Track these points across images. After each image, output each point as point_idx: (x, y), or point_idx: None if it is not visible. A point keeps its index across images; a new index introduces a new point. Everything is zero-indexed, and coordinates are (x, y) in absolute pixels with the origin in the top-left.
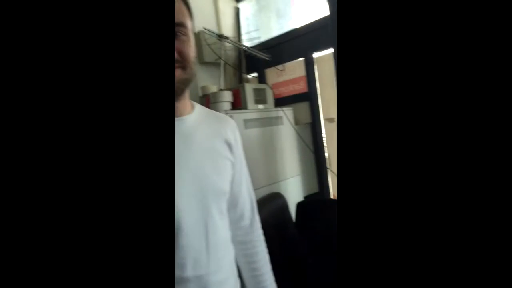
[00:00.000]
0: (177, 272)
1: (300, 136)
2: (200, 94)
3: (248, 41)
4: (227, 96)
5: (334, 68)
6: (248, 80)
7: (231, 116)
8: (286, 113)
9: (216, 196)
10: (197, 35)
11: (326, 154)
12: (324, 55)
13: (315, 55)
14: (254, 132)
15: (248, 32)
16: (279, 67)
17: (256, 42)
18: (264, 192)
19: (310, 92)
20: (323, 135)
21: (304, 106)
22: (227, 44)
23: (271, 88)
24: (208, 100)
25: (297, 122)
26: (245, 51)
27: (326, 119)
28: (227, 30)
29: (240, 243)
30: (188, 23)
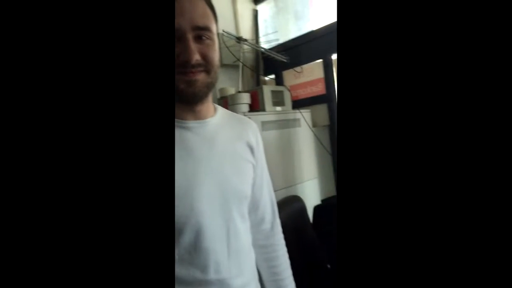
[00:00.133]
0: (200, 275)
1: (317, 139)
2: (218, 96)
3: (266, 43)
4: (245, 98)
5: None
6: (265, 82)
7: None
8: (304, 115)
9: (237, 200)
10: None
11: None
12: None
13: (334, 56)
14: (271, 134)
15: (266, 35)
16: (297, 69)
17: (274, 44)
18: (281, 194)
19: (328, 94)
20: None
21: (322, 108)
22: (245, 46)
23: (289, 90)
24: (226, 102)
25: (314, 124)
26: (262, 53)
27: None
28: (245, 32)
29: (261, 247)
30: (213, 27)
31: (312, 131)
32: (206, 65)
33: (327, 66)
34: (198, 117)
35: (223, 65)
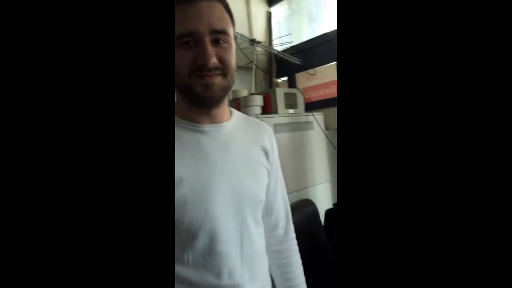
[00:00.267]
0: (214, 280)
1: (330, 141)
2: (231, 98)
3: (279, 46)
4: (258, 100)
5: None
6: (278, 84)
7: (261, 121)
8: (317, 118)
9: (252, 204)
10: None
11: None
12: None
13: None
14: (284, 136)
15: (280, 37)
16: (310, 71)
17: (287, 46)
18: (293, 197)
19: None
20: None
21: (335, 111)
22: (258, 49)
23: (302, 92)
24: (238, 104)
25: (327, 127)
26: (275, 55)
27: None
28: (259, 34)
29: (274, 252)
30: (230, 31)
31: (325, 134)
32: (223, 69)
33: None
34: (213, 121)
35: (236, 67)
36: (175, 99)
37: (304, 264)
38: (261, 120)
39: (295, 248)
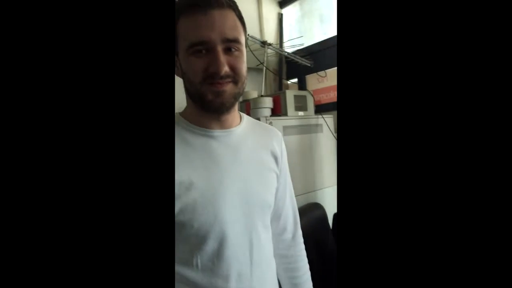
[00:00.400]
0: (222, 284)
1: None
2: (241, 99)
3: (290, 48)
4: (268, 102)
5: None
6: (288, 86)
7: (270, 123)
8: (326, 121)
9: (261, 209)
10: None
11: None
12: None
13: None
14: (293, 139)
15: (291, 39)
16: (321, 73)
17: (298, 48)
18: (301, 200)
19: None
20: None
21: None
22: (269, 50)
23: (312, 95)
24: (248, 106)
25: (337, 130)
26: (286, 57)
27: None
28: (270, 35)
29: (282, 256)
30: (242, 39)
31: (334, 136)
32: (234, 76)
33: None
34: (224, 126)
35: (247, 69)
36: (186, 105)
37: (311, 268)
38: (271, 122)
39: (303, 253)
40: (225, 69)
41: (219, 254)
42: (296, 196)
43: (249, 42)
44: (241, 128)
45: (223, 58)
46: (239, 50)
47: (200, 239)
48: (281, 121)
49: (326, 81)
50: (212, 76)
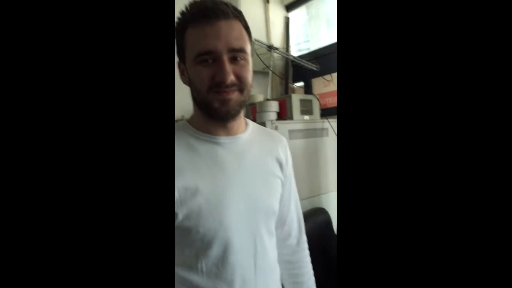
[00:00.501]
0: None
1: None
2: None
3: (297, 52)
4: (274, 106)
5: None
6: (294, 89)
7: (276, 126)
8: (332, 125)
9: (266, 215)
10: None
11: None
12: None
13: None
14: (298, 143)
15: (298, 44)
16: (327, 77)
17: (304, 51)
18: (306, 204)
19: None
20: None
21: None
22: (275, 54)
23: (318, 99)
24: (254, 109)
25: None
26: (292, 60)
27: None
28: (277, 38)
29: (286, 262)
30: (248, 49)
31: None
32: (240, 85)
33: None
34: (230, 133)
35: (253, 72)
36: (193, 112)
37: (315, 273)
38: (276, 125)
39: (307, 259)
40: (231, 77)
41: (223, 259)
42: (301, 200)
43: (256, 46)
44: (247, 134)
45: (229, 67)
46: (245, 59)
47: (205, 245)
48: (286, 125)
49: (332, 85)
50: (218, 85)
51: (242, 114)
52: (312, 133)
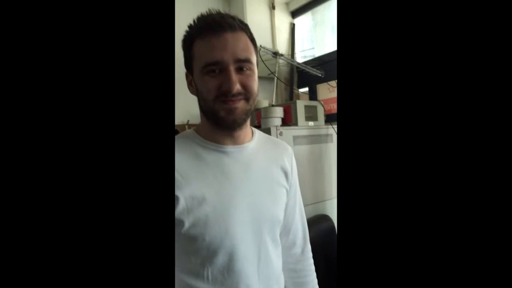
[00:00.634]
0: None
1: None
2: None
3: (302, 58)
4: (278, 112)
5: None
6: (299, 95)
7: (281, 132)
8: (336, 131)
9: (270, 224)
10: None
11: None
12: None
13: None
14: (303, 149)
15: (303, 50)
16: (332, 83)
17: (309, 58)
18: (310, 210)
19: None
20: None
21: None
22: (281, 61)
23: (323, 105)
24: (259, 115)
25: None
26: (297, 67)
27: None
28: (282, 44)
29: (291, 271)
30: (254, 59)
31: None
32: (246, 94)
33: None
34: (236, 142)
35: (258, 78)
36: (200, 121)
37: (319, 281)
38: (281, 131)
39: (312, 268)
40: (237, 87)
41: (229, 267)
42: (305, 206)
43: (261, 52)
44: (253, 143)
45: (235, 77)
46: (251, 69)
47: (211, 253)
48: (291, 131)
49: (337, 91)
50: (224, 94)
51: (248, 123)
52: (317, 139)
